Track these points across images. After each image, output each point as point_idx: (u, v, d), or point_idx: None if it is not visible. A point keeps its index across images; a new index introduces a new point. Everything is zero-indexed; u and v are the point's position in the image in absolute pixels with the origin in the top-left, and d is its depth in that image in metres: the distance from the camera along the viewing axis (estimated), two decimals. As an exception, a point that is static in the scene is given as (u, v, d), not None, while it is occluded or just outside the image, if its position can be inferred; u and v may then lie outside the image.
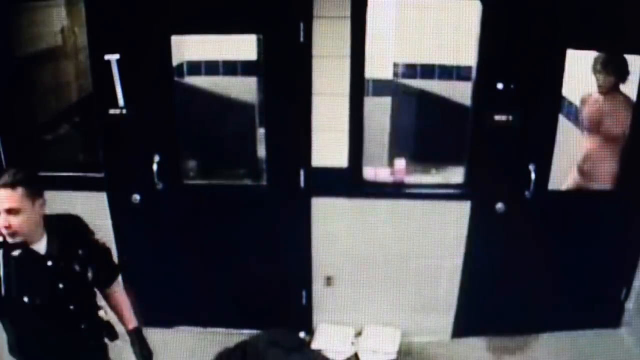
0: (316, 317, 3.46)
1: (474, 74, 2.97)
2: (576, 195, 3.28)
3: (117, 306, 2.27)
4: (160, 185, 3.13)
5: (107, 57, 2.90)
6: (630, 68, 3.05)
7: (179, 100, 3.09)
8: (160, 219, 3.26)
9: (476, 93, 3.01)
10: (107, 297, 2.27)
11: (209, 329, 3.44)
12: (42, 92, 3.78)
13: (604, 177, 3.20)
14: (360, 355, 3.30)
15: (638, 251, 3.31)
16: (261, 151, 3.23)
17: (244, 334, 2.78)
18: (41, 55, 3.74)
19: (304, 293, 3.41)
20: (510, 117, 2.94)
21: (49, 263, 1.98)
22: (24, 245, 1.94)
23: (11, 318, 2.02)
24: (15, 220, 1.87)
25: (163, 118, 3.05)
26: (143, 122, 3.03)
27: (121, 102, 2.99)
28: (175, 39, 2.96)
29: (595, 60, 3.13)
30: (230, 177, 3.42)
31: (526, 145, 3.00)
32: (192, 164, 3.41)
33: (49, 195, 3.23)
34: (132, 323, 2.27)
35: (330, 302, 3.42)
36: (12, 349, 2.09)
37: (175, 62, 3.04)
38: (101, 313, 2.22)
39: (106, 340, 2.24)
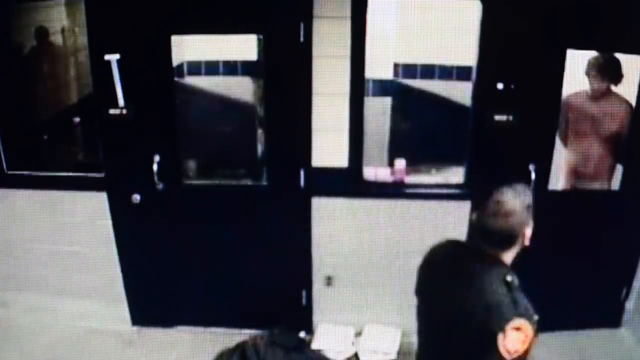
0: (316, 317, 3.46)
1: (474, 74, 2.97)
2: (576, 195, 3.28)
3: None
4: (160, 185, 3.13)
5: (107, 57, 2.90)
6: (630, 68, 3.05)
7: (179, 100, 3.09)
8: (160, 219, 3.26)
9: (476, 93, 3.01)
10: None
11: (209, 329, 3.44)
12: (43, 91, 3.78)
13: (604, 177, 3.20)
14: (360, 355, 3.30)
15: (638, 251, 3.31)
16: (261, 151, 3.23)
17: (244, 334, 2.77)
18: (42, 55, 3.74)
19: (304, 293, 3.41)
20: (511, 117, 2.94)
21: None
22: None
23: None
24: None
25: (163, 118, 3.05)
26: (143, 122, 3.03)
27: (121, 102, 2.99)
28: (175, 39, 2.96)
29: (591, 64, 3.10)
30: (230, 177, 3.41)
31: (526, 145, 3.00)
32: (192, 164, 3.40)
33: (49, 195, 3.30)
34: None
35: (330, 302, 3.42)
36: None
37: (175, 62, 3.04)
38: None
39: None
